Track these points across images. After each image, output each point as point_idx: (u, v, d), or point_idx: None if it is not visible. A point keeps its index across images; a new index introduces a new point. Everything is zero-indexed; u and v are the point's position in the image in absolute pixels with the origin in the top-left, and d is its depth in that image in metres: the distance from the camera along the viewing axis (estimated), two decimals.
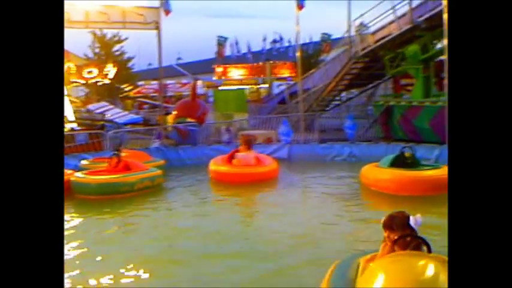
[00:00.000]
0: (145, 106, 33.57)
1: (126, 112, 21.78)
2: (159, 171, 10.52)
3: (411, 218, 3.65)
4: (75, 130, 15.66)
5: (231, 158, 11.22)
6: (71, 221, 8.07)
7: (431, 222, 7.51)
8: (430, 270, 3.12)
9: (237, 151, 11.35)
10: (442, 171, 9.19)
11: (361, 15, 19.08)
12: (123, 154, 10.80)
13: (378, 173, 9.56)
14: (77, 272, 5.52)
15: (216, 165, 11.15)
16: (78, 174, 9.94)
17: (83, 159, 12.27)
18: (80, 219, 8.22)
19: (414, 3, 16.66)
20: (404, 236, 3.55)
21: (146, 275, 5.48)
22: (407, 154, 9.59)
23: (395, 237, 3.58)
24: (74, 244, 6.57)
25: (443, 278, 2.95)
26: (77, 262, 5.86)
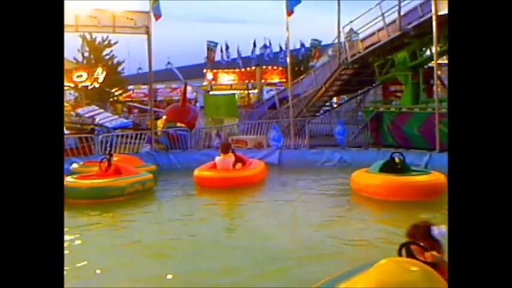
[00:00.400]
0: (135, 110, 33.48)
1: (116, 116, 21.67)
2: (149, 176, 10.50)
3: (434, 228, 3.61)
4: (65, 134, 15.58)
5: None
6: None
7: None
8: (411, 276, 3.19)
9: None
10: (431, 177, 9.29)
11: (351, 21, 19.22)
12: (114, 158, 10.77)
13: (368, 178, 9.61)
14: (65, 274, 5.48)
15: (199, 171, 11.17)
16: (69, 178, 9.88)
17: (73, 163, 12.21)
18: (69, 223, 8.17)
19: (403, 11, 16.80)
20: (425, 248, 3.53)
21: (134, 280, 5.47)
22: (397, 160, 9.66)
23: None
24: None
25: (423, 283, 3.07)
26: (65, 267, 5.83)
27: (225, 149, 11.31)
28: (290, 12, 15.47)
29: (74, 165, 11.93)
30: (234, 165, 11.10)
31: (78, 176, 10.21)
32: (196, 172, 11.13)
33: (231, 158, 11.12)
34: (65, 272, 5.40)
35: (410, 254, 3.62)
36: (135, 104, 35.11)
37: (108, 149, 13.11)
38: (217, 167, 11.06)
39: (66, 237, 7.27)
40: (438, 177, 9.21)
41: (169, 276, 5.59)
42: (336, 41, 20.27)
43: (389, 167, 9.53)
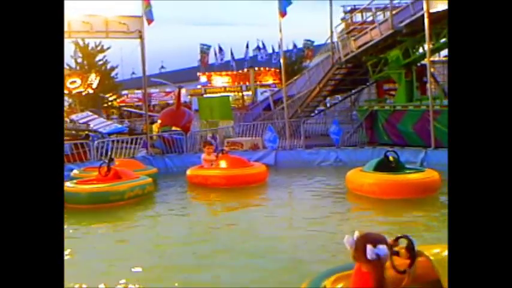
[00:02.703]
0: (125, 113, 33.43)
1: (111, 122, 21.65)
2: (149, 180, 10.48)
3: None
4: None
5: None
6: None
7: (416, 221, 7.68)
8: None
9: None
10: (426, 175, 9.33)
11: (340, 23, 19.30)
12: (116, 163, 10.80)
13: (362, 177, 9.64)
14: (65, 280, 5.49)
15: (192, 171, 11.64)
16: (68, 183, 9.88)
17: (70, 169, 12.19)
18: (70, 229, 8.17)
19: (395, 9, 16.88)
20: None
21: (135, 284, 5.47)
22: (391, 158, 9.69)
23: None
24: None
25: None
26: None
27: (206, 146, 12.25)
28: (283, 13, 15.51)
29: (75, 171, 11.92)
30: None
31: (77, 181, 10.20)
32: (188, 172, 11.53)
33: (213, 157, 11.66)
34: (64, 277, 5.44)
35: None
36: (130, 109, 35.06)
37: (109, 154, 13.15)
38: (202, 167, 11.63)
39: (66, 242, 7.27)
40: (432, 175, 9.25)
41: (171, 281, 5.60)
42: (329, 40, 20.32)
43: (383, 166, 9.56)
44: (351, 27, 19.52)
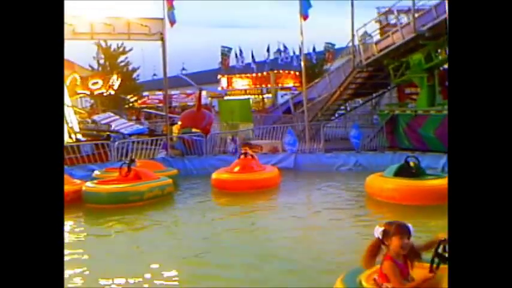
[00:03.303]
0: (145, 115, 33.63)
1: (132, 123, 21.81)
2: (169, 180, 10.56)
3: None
4: (81, 141, 15.72)
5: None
6: (80, 229, 8.12)
7: (436, 230, 7.54)
8: None
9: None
10: (446, 181, 9.18)
11: (365, 24, 19.15)
12: (137, 164, 10.89)
13: (383, 182, 9.56)
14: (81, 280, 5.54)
15: (218, 174, 11.46)
16: (89, 183, 10.01)
17: (91, 170, 12.34)
18: (89, 228, 8.27)
19: (418, 12, 16.69)
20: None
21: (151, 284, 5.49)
22: (411, 163, 9.59)
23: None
24: (80, 251, 6.60)
25: None
26: (82, 270, 5.88)
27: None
28: (305, 16, 15.48)
29: (96, 172, 12.07)
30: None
31: (98, 181, 10.33)
32: (214, 175, 11.36)
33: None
34: (82, 276, 5.49)
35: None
36: (151, 110, 35.27)
37: (130, 155, 13.27)
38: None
39: (83, 242, 7.35)
40: None
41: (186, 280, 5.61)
42: (350, 44, 20.20)
43: (404, 171, 9.46)
44: (385, 29, 19.26)
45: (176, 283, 5.61)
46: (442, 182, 9.11)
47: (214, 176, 11.39)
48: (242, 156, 11.62)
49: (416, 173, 9.45)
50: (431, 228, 7.68)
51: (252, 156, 11.73)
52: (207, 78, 44.05)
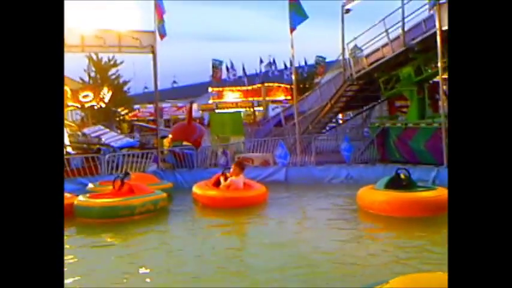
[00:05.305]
0: (136, 129, 33.57)
1: (122, 136, 21.73)
2: (163, 195, 10.44)
3: None
4: (70, 154, 15.62)
5: (217, 182, 11.20)
6: (70, 245, 8.01)
7: (427, 242, 7.55)
8: None
9: (223, 175, 11.30)
10: (437, 193, 9.21)
11: (355, 38, 19.27)
12: (132, 177, 10.78)
13: (374, 195, 9.56)
14: None
15: (202, 190, 11.12)
16: (81, 197, 9.90)
17: (80, 183, 12.24)
18: (78, 242, 8.16)
19: (407, 26, 16.84)
20: None
21: None
22: (402, 176, 9.61)
23: None
24: (71, 267, 6.51)
25: None
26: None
27: (242, 168, 11.25)
28: (292, 29, 15.54)
29: (90, 185, 11.95)
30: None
31: (90, 195, 10.21)
32: (197, 191, 11.13)
33: (242, 178, 11.06)
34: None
35: None
36: (142, 124, 35.21)
37: (125, 168, 13.20)
38: (229, 187, 10.94)
39: (73, 256, 7.25)
40: (443, 193, 9.13)
41: None
42: (341, 57, 20.31)
43: (394, 183, 9.49)
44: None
45: None
46: (433, 194, 9.16)
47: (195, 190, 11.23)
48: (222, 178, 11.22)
49: (407, 185, 9.47)
50: (422, 240, 7.69)
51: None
52: (198, 91, 44.12)
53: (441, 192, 9.19)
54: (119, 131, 26.37)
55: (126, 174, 10.73)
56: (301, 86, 32.40)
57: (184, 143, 17.50)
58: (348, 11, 18.87)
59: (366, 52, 18.94)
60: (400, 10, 16.69)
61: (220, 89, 35.94)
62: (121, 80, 35.72)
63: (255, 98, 35.03)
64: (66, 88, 23.65)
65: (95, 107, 27.69)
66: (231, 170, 11.29)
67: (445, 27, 13.15)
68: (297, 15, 15.50)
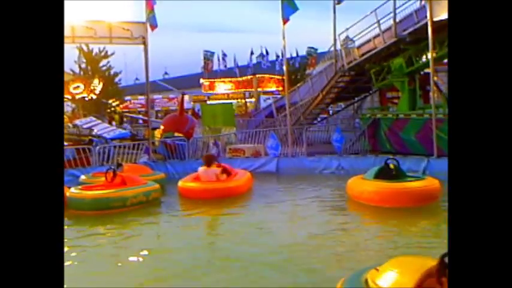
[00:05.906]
0: (127, 120, 33.48)
1: (114, 127, 21.67)
2: (155, 186, 10.42)
3: None
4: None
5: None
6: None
7: (416, 231, 7.62)
8: None
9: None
10: (426, 183, 9.29)
11: (347, 29, 19.29)
12: (125, 168, 10.72)
13: (363, 185, 9.62)
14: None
15: (183, 182, 11.10)
16: (73, 189, 9.86)
17: (72, 175, 12.20)
18: (70, 235, 8.14)
19: (398, 17, 16.87)
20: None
21: None
22: (391, 166, 9.66)
23: None
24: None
25: None
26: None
27: (208, 161, 11.24)
28: (285, 20, 15.49)
29: (83, 177, 11.90)
30: (218, 177, 10.96)
31: (82, 186, 10.16)
32: (180, 183, 11.10)
33: (213, 170, 11.01)
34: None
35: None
36: (133, 115, 35.11)
37: (117, 159, 13.15)
38: (200, 179, 10.97)
39: (67, 249, 7.24)
40: (432, 183, 9.21)
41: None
42: (332, 48, 20.32)
43: (384, 174, 9.53)
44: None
45: None
46: (422, 184, 9.23)
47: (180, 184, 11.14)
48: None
49: (396, 175, 9.52)
50: (411, 230, 7.76)
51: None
52: (189, 82, 44.00)
53: (430, 182, 9.26)
54: (112, 123, 26.29)
55: (119, 165, 10.70)
56: (293, 77, 32.38)
57: (176, 134, 17.50)
58: (339, 1, 18.88)
59: (357, 43, 18.97)
60: (392, 1, 16.74)
61: (212, 80, 35.85)
62: (112, 72, 35.55)
63: (247, 89, 34.97)
64: None
65: (86, 99, 27.68)
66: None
67: (437, 18, 13.20)
68: (289, 7, 15.46)
